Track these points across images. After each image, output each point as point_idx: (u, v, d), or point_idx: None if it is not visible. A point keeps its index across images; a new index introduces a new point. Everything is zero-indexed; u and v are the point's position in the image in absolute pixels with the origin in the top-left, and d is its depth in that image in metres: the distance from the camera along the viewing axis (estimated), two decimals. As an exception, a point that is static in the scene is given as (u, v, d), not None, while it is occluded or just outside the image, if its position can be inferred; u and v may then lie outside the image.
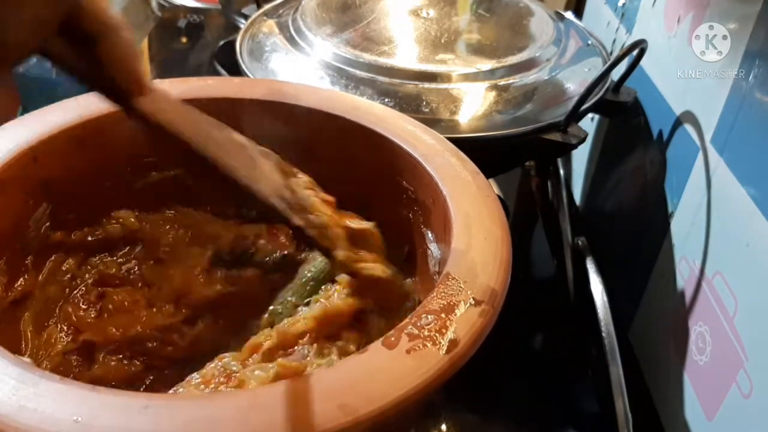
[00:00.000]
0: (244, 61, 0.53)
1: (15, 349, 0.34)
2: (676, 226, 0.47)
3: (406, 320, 0.27)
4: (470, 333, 0.27)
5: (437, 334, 0.26)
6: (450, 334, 0.26)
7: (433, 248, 0.37)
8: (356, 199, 0.42)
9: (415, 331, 0.27)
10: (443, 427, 0.44)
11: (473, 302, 0.28)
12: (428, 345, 0.26)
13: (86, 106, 0.39)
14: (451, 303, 0.28)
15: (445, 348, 0.26)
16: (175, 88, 0.42)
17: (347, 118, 0.40)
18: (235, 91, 0.42)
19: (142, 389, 0.39)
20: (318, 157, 0.42)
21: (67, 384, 0.24)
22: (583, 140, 0.48)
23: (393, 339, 0.26)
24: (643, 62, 0.51)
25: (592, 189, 0.66)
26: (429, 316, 0.27)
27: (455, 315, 0.27)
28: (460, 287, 0.29)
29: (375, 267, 0.34)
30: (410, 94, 0.49)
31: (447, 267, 0.30)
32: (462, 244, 0.31)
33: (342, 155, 0.41)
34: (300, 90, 0.43)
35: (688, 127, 0.47)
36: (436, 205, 0.36)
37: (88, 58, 0.26)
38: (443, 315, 0.27)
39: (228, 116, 0.41)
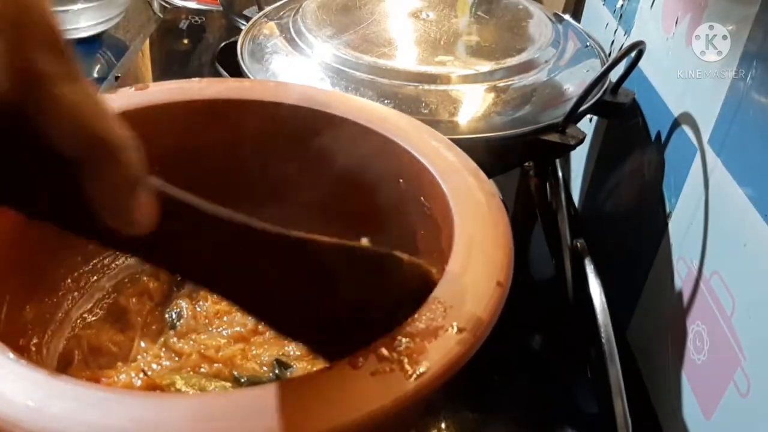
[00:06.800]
0: (245, 63, 0.53)
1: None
2: (674, 227, 0.47)
3: (380, 341, 0.26)
4: (443, 361, 0.26)
5: (407, 359, 0.25)
6: (421, 361, 0.25)
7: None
8: (373, 211, 0.42)
9: (386, 353, 0.25)
10: (443, 426, 0.44)
11: (454, 329, 0.27)
12: (396, 369, 0.25)
13: (123, 98, 0.40)
14: (431, 328, 0.27)
15: (413, 374, 0.25)
16: (213, 87, 0.43)
17: (374, 129, 0.40)
18: (269, 94, 0.43)
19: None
20: (341, 167, 0.42)
21: (31, 369, 0.25)
22: (581, 141, 0.48)
23: (361, 359, 0.25)
24: (642, 64, 0.52)
25: (591, 190, 0.66)
26: (404, 339, 0.26)
27: (432, 341, 0.26)
28: (444, 312, 0.28)
29: None
30: (410, 96, 0.49)
31: (436, 290, 0.29)
32: (457, 267, 0.30)
33: (364, 166, 0.41)
34: (332, 97, 0.43)
35: (686, 128, 0.47)
36: (446, 224, 0.35)
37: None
38: (419, 339, 0.26)
39: (257, 119, 0.42)
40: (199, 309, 0.41)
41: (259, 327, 0.40)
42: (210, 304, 0.41)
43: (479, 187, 0.36)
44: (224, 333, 0.39)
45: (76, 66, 0.18)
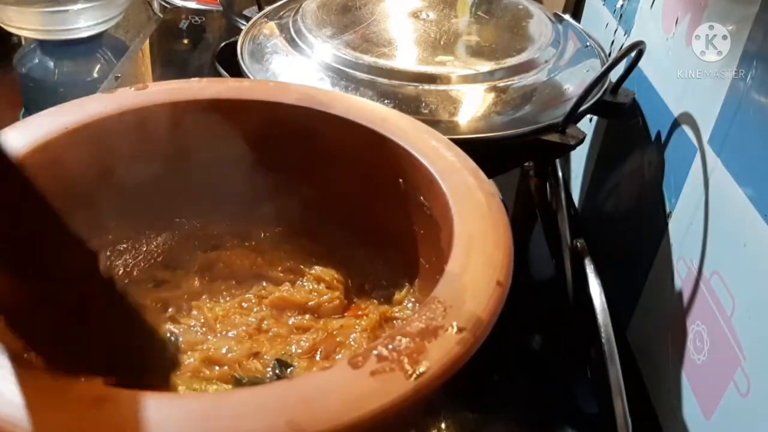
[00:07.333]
0: (245, 63, 0.53)
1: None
2: (674, 227, 0.47)
3: (379, 340, 0.26)
4: (443, 361, 0.26)
5: (407, 359, 0.25)
6: (421, 360, 0.25)
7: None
8: (373, 211, 0.42)
9: (385, 353, 0.26)
10: (443, 426, 0.44)
11: (454, 329, 0.27)
12: (395, 369, 0.25)
13: (124, 98, 0.40)
14: (431, 328, 0.27)
15: (412, 374, 0.25)
16: (213, 87, 0.43)
17: (375, 129, 0.40)
18: (269, 94, 0.43)
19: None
20: (341, 166, 0.42)
21: (32, 369, 0.24)
22: (581, 141, 0.48)
23: (360, 359, 0.25)
24: (642, 64, 0.52)
25: (591, 190, 0.66)
26: (403, 339, 0.26)
27: (431, 341, 0.26)
28: (444, 312, 0.28)
29: None
30: (410, 96, 0.49)
31: (436, 290, 0.29)
32: (457, 267, 0.30)
33: (364, 165, 0.41)
34: (332, 97, 0.43)
35: (686, 128, 0.47)
36: (446, 224, 0.35)
37: None
38: (418, 339, 0.26)
39: (257, 119, 0.42)
40: (193, 323, 0.40)
41: (263, 325, 0.40)
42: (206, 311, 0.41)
43: (479, 187, 0.36)
44: (229, 335, 0.39)
45: None
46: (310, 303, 0.41)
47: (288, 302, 0.41)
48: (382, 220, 0.42)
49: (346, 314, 0.41)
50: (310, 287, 0.42)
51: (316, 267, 0.43)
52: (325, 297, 0.41)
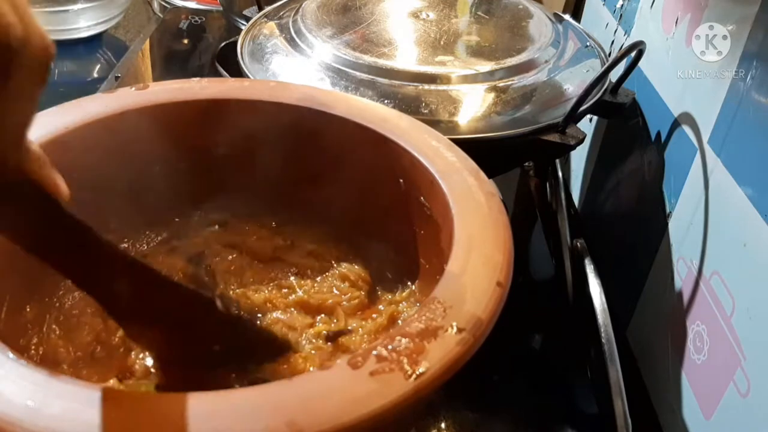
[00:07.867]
0: (245, 63, 0.53)
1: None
2: (673, 227, 0.47)
3: (379, 340, 0.26)
4: (443, 362, 0.26)
5: (406, 359, 0.25)
6: (421, 361, 0.25)
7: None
8: (373, 211, 0.42)
9: (385, 354, 0.25)
10: (443, 426, 0.44)
11: (454, 330, 0.27)
12: (395, 369, 0.25)
13: (124, 98, 0.40)
14: (430, 328, 0.27)
15: (412, 375, 0.25)
16: (213, 87, 0.43)
17: (375, 129, 0.40)
18: (270, 94, 0.43)
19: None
20: (342, 167, 0.42)
21: (31, 369, 0.25)
22: (581, 141, 0.48)
23: (360, 359, 0.25)
24: (642, 64, 0.52)
25: (591, 190, 0.66)
26: (403, 339, 0.26)
27: (431, 341, 0.26)
28: (443, 313, 0.28)
29: None
30: (410, 96, 0.49)
31: (435, 290, 0.29)
32: (457, 267, 0.30)
33: (365, 166, 0.41)
34: (333, 98, 0.43)
35: (686, 128, 0.47)
36: (446, 224, 0.35)
37: None
38: (418, 340, 0.26)
39: (257, 119, 0.42)
40: None
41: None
42: None
43: (479, 187, 0.36)
44: None
45: None
46: (328, 302, 0.40)
47: (306, 305, 0.40)
48: (383, 220, 0.42)
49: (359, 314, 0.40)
50: (334, 285, 0.42)
51: (344, 264, 0.43)
52: (345, 296, 0.41)
